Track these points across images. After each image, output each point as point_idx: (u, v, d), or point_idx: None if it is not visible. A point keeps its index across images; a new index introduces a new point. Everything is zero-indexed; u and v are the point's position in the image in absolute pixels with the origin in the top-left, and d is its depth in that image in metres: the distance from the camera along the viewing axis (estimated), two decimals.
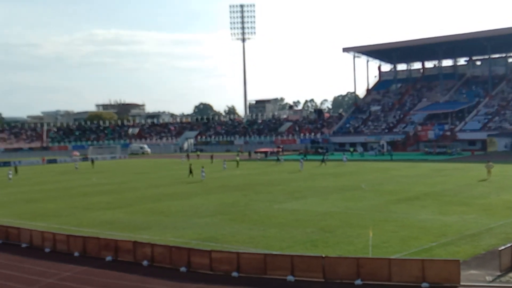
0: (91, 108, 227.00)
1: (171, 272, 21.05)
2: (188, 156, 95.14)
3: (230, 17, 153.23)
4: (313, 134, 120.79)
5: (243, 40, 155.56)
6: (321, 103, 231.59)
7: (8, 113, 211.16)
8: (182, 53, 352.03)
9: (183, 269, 21.09)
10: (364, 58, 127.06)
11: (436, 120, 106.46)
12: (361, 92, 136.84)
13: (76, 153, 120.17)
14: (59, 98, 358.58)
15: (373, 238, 22.37)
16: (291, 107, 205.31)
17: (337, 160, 78.16)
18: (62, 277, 20.96)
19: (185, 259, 21.28)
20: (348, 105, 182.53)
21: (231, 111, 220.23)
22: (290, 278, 19.45)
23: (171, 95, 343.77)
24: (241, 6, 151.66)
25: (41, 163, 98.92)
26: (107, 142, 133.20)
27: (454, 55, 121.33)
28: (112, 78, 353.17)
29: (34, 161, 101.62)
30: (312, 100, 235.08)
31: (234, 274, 20.17)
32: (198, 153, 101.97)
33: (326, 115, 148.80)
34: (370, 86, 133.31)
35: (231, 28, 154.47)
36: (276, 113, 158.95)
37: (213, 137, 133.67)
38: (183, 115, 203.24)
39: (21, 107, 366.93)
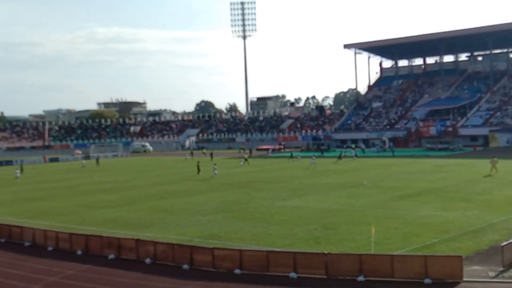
0: (93, 106, 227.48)
1: (174, 269, 21.09)
2: (192, 154, 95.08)
3: (231, 15, 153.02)
4: (314, 131, 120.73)
5: (244, 37, 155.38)
6: (323, 100, 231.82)
7: (10, 112, 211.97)
8: (184, 51, 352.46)
9: (185, 266, 21.13)
10: (365, 54, 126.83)
11: (438, 116, 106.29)
12: (362, 89, 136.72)
13: (78, 151, 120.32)
14: (60, 96, 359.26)
15: (376, 234, 22.37)
16: (292, 104, 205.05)
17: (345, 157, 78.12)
18: (65, 275, 21.01)
19: (187, 256, 21.31)
20: (350, 101, 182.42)
21: (233, 108, 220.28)
22: (293, 275, 19.47)
23: (172, 93, 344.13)
24: (242, 3, 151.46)
25: (43, 162, 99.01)
26: (109, 141, 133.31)
27: (455, 51, 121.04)
28: (114, 76, 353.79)
29: (36, 160, 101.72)
30: (313, 97, 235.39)
31: (237, 271, 20.20)
32: (204, 151, 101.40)
33: (328, 111, 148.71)
34: (372, 82, 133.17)
35: (232, 26, 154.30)
36: (277, 110, 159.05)
37: (214, 134, 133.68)
38: (184, 113, 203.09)
39: (23, 106, 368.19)
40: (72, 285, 19.80)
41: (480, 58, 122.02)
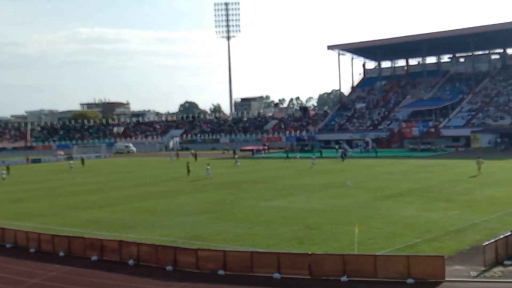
0: (76, 107, 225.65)
1: (157, 271, 21.01)
2: (178, 155, 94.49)
3: (215, 15, 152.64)
4: (298, 131, 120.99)
5: (228, 38, 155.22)
6: (307, 101, 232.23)
7: None
8: (167, 52, 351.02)
9: (169, 267, 21.07)
10: (348, 55, 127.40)
11: (420, 117, 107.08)
12: (346, 90, 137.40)
13: (61, 152, 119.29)
14: (43, 97, 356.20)
15: (359, 235, 22.49)
16: (276, 104, 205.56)
17: (331, 158, 78.39)
18: (48, 277, 20.84)
19: (171, 258, 21.25)
20: (333, 102, 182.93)
21: (217, 109, 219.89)
22: (277, 275, 19.50)
23: (156, 94, 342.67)
24: (226, 4, 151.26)
25: (25, 163, 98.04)
26: (92, 141, 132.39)
27: (437, 52, 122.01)
28: (97, 77, 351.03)
29: (18, 161, 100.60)
30: (297, 98, 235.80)
31: (221, 272, 20.19)
32: (193, 151, 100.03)
33: (312, 112, 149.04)
34: (355, 83, 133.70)
35: (216, 26, 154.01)
36: (261, 111, 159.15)
37: (198, 135, 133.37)
38: (168, 114, 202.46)
39: (5, 106, 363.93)
40: (55, 287, 19.65)
41: (462, 60, 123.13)
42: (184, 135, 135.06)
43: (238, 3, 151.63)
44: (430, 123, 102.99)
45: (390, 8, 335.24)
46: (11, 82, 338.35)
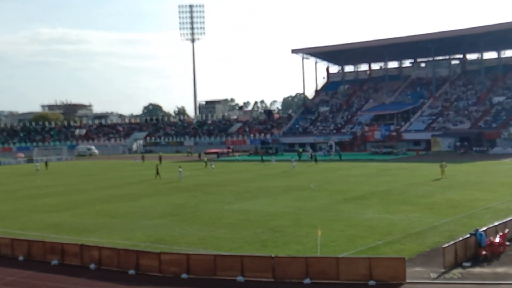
0: (36, 108, 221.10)
1: (120, 275, 20.80)
2: (143, 158, 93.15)
3: (179, 17, 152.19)
4: (263, 134, 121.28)
5: (193, 40, 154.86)
6: (271, 104, 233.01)
7: None
8: (130, 53, 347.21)
9: (131, 271, 20.87)
10: (312, 59, 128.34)
11: (383, 120, 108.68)
12: (310, 93, 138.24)
13: (21, 155, 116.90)
14: (3, 98, 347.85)
15: (322, 237, 22.67)
16: (241, 107, 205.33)
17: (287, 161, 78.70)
18: (6, 281, 20.42)
19: (133, 261, 21.06)
20: (298, 106, 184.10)
21: (181, 111, 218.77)
22: (240, 278, 19.52)
23: (119, 96, 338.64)
24: (190, 6, 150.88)
25: None
26: (53, 144, 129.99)
27: (399, 57, 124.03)
28: (58, 78, 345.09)
29: None
30: (262, 101, 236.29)
31: (184, 275, 20.10)
32: (161, 154, 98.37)
33: (276, 115, 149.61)
34: (319, 87, 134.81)
35: (180, 29, 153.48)
36: (226, 114, 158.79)
37: (162, 138, 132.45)
38: (131, 116, 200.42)
39: None
40: None
41: (423, 65, 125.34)
42: (148, 138, 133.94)
43: (203, 6, 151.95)
44: (392, 127, 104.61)
45: (353, 13, 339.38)
46: None
